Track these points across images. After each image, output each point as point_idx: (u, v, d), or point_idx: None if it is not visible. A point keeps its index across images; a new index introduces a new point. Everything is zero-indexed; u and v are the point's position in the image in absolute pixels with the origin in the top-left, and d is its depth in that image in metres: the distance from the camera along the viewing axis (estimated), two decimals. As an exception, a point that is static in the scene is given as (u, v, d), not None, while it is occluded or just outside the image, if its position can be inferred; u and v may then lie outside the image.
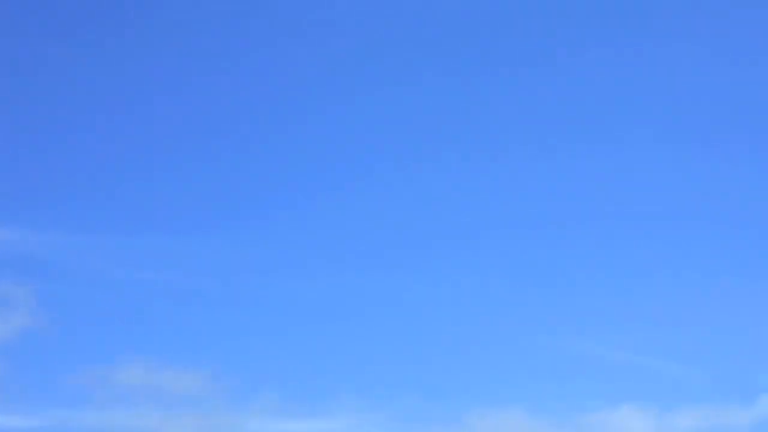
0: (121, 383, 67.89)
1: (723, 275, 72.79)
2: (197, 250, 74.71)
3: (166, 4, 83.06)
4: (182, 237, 75.31)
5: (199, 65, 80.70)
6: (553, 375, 69.42)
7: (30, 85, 79.66)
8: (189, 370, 69.34)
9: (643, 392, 68.01)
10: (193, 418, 67.34)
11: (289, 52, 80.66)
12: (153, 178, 78.38)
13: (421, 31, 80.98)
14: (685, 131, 77.44)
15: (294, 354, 71.03)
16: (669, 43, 79.36)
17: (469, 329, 72.16)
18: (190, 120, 79.85)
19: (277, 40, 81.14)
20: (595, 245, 75.03)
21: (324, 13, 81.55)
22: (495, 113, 79.44)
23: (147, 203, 77.31)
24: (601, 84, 79.61)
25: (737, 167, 76.40)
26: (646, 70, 78.90)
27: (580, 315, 71.72)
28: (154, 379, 68.71)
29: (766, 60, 78.16)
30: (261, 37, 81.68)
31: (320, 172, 78.70)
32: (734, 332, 70.42)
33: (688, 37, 79.63)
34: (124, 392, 67.89)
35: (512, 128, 79.20)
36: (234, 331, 71.82)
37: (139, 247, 74.68)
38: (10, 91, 79.12)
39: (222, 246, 75.19)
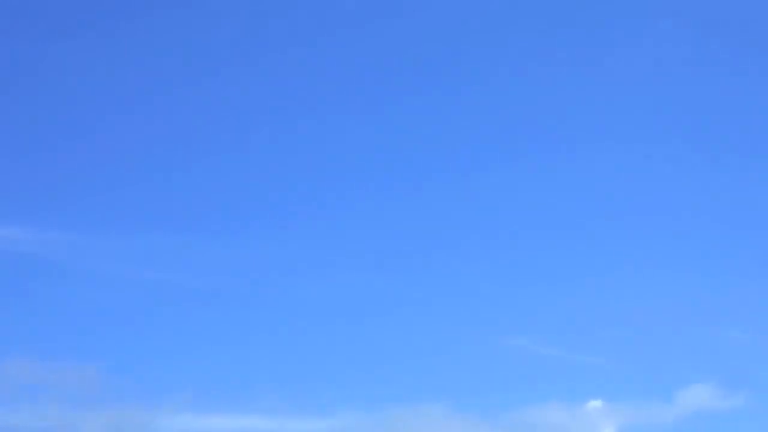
0: (11, 380, 67.40)
1: (648, 273, 73.28)
2: (197, 250, 74.47)
3: (168, 4, 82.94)
4: (181, 237, 75.12)
5: (206, 65, 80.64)
6: (480, 371, 69.43)
7: (32, 85, 79.58)
8: (95, 367, 68.80)
9: (570, 388, 68.41)
10: (103, 415, 66.40)
11: (300, 53, 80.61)
12: (156, 177, 78.53)
13: (427, 34, 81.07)
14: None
15: (209, 350, 70.98)
16: (669, 46, 79.99)
17: (392, 328, 72.35)
18: (198, 120, 79.76)
19: (286, 41, 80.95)
20: (526, 245, 75.58)
21: (327, 14, 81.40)
22: (496, 118, 79.85)
23: (150, 203, 77.30)
24: (599, 86, 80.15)
25: (652, 163, 77.30)
26: (646, 72, 79.46)
27: (509, 311, 72.37)
28: (55, 376, 68.06)
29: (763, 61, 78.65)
30: (268, 38, 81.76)
31: (322, 173, 78.88)
32: (660, 329, 70.91)
33: (687, 39, 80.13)
34: (19, 390, 67.21)
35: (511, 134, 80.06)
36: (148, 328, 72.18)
37: (139, 246, 74.33)
38: (11, 91, 78.88)
39: (223, 246, 75.09)
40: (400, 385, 69.01)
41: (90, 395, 67.53)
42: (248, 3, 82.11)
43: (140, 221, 75.89)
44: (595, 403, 68.63)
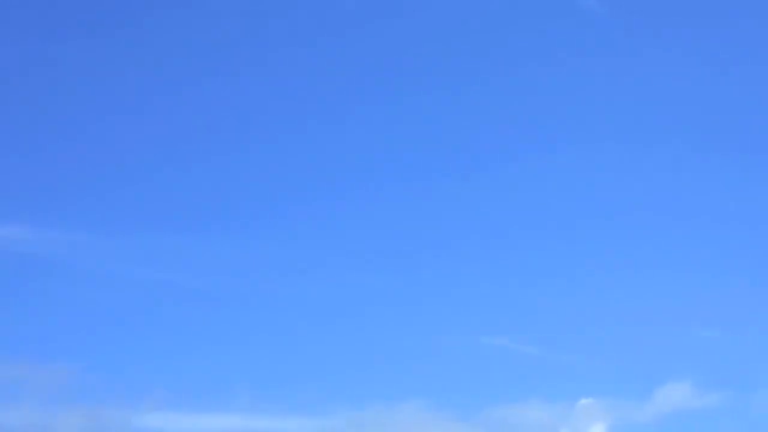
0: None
1: (626, 273, 73.70)
2: (198, 249, 74.91)
3: (168, 5, 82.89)
4: (180, 236, 75.35)
5: (206, 66, 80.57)
6: (460, 370, 69.54)
7: (32, 85, 79.43)
8: (74, 365, 68.83)
9: (549, 387, 68.63)
10: (80, 414, 66.22)
11: (300, 54, 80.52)
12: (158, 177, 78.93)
13: (427, 34, 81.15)
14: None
15: (186, 351, 70.97)
16: (669, 46, 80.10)
17: (373, 327, 72.71)
18: (198, 120, 79.74)
19: (286, 42, 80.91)
20: (504, 245, 75.95)
21: (326, 15, 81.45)
22: (495, 119, 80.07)
23: (149, 203, 77.56)
24: (596, 89, 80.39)
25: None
26: (646, 76, 79.69)
27: (489, 311, 72.54)
28: (31, 375, 68.05)
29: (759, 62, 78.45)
30: (268, 38, 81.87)
31: (322, 173, 79.22)
32: (638, 328, 71.13)
33: (687, 43, 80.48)
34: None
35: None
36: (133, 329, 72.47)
37: (140, 245, 74.46)
38: (11, 91, 78.85)
39: (225, 245, 75.50)
40: (381, 383, 69.55)
41: (66, 394, 68.01)
42: (247, 3, 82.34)
43: (140, 221, 76.30)
44: (579, 401, 68.98)
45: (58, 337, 71.38)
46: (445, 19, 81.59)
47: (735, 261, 73.50)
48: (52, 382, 68.00)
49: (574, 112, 79.42)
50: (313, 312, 73.15)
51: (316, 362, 71.02)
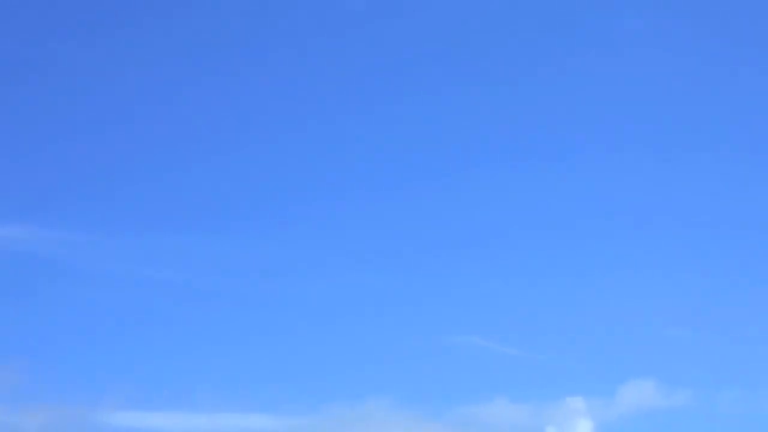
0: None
1: (594, 273, 73.95)
2: (198, 249, 74.97)
3: (169, 5, 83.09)
4: (179, 236, 75.45)
5: (206, 67, 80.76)
6: (428, 369, 69.60)
7: (33, 85, 79.49)
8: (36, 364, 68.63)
9: (517, 385, 68.76)
10: (43, 412, 65.91)
11: (300, 54, 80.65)
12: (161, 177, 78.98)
13: (427, 35, 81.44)
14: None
15: (149, 348, 70.89)
16: (668, 48, 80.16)
17: (338, 324, 72.60)
18: (199, 121, 79.88)
19: (286, 42, 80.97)
20: (478, 245, 75.74)
21: (326, 15, 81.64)
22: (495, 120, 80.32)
23: (151, 202, 77.67)
24: (596, 90, 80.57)
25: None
26: (645, 75, 79.82)
27: (460, 309, 72.43)
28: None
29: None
30: (268, 39, 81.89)
31: (322, 173, 79.47)
32: (606, 327, 71.29)
33: (688, 41, 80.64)
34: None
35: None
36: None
37: (142, 245, 74.57)
38: (13, 90, 78.79)
39: (225, 245, 75.60)
40: (348, 381, 69.47)
41: (29, 392, 67.60)
42: (248, 4, 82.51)
43: (139, 221, 76.37)
44: (549, 400, 68.93)
45: (16, 334, 71.13)
46: (445, 19, 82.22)
47: (702, 261, 74.00)
48: (11, 381, 67.75)
49: (567, 116, 79.95)
50: (277, 311, 73.41)
51: (280, 360, 71.16)
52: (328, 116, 79.89)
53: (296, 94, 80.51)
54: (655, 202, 76.32)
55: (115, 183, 78.09)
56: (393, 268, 75.04)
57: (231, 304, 73.35)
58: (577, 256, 74.75)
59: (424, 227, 76.98)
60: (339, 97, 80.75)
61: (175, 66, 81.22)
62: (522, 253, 75.57)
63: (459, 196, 77.98)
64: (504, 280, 74.14)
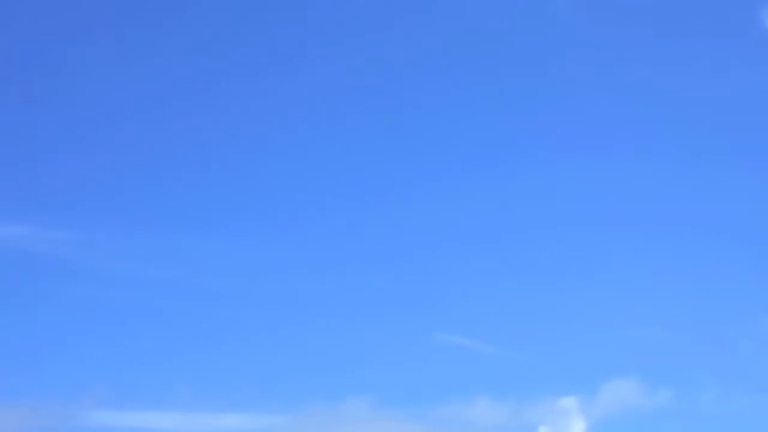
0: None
1: (576, 272, 73.84)
2: (199, 248, 74.89)
3: (172, 6, 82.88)
4: (181, 235, 75.22)
5: (208, 67, 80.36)
6: (409, 368, 69.55)
7: (38, 85, 79.07)
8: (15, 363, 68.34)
9: (498, 384, 68.79)
10: (20, 410, 65.96)
11: (300, 54, 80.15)
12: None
13: (426, 36, 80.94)
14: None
15: (128, 348, 70.59)
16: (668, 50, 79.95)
17: (317, 323, 72.12)
18: (201, 121, 79.39)
19: (286, 43, 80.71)
20: (464, 245, 75.51)
21: (326, 16, 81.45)
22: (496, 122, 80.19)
23: (154, 202, 77.66)
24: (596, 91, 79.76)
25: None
26: (644, 78, 78.97)
27: (443, 308, 72.41)
28: None
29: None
30: (268, 39, 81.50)
31: (322, 174, 79.20)
32: (589, 326, 71.14)
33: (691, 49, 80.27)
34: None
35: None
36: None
37: (143, 244, 74.45)
38: (18, 90, 78.60)
39: (225, 245, 75.53)
40: (326, 381, 69.18)
41: (6, 391, 67.38)
42: (255, 6, 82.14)
43: (139, 221, 76.26)
44: (530, 399, 68.80)
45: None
46: (445, 19, 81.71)
47: (682, 259, 73.81)
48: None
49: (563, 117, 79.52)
50: (255, 311, 73.15)
51: (259, 360, 71.01)
52: (327, 116, 79.88)
53: (296, 94, 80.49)
54: (637, 204, 76.21)
55: (115, 183, 78.17)
56: (372, 268, 75.05)
57: (210, 304, 73.15)
58: (559, 257, 74.72)
59: (405, 228, 76.89)
60: (338, 97, 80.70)
61: (175, 66, 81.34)
62: (504, 252, 75.74)
63: (440, 197, 77.95)
64: (486, 279, 74.18)
